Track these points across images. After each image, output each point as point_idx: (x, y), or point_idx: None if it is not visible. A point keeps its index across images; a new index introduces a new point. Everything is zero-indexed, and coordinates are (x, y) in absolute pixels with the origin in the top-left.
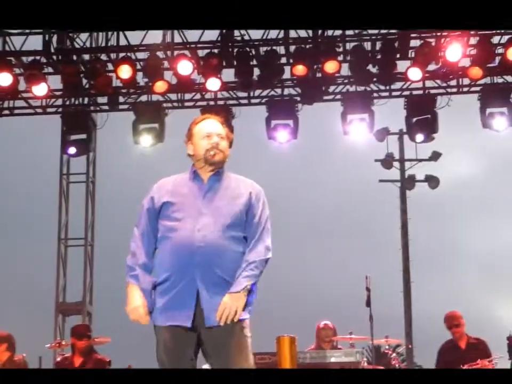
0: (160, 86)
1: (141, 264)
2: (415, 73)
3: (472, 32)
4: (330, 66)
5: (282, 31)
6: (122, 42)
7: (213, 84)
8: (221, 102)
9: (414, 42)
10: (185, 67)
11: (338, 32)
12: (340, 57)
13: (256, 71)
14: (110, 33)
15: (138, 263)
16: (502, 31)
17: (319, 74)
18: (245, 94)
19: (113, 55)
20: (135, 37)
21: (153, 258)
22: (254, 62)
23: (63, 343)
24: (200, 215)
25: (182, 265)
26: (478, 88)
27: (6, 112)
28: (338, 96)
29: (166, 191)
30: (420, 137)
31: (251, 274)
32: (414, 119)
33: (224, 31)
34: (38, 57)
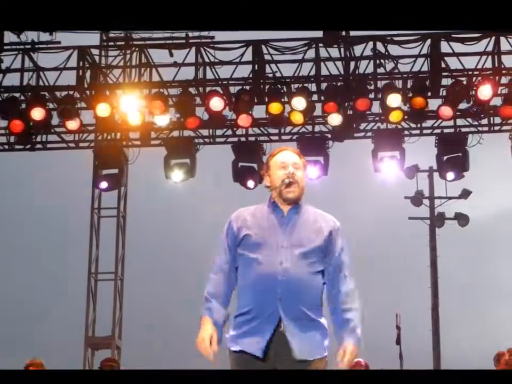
0: (192, 121)
1: (218, 295)
2: (446, 112)
3: (504, 71)
4: (361, 104)
5: (314, 69)
6: (155, 78)
7: (244, 120)
8: (252, 138)
9: (445, 81)
10: (217, 103)
11: (369, 70)
12: (371, 95)
13: (287, 108)
14: (143, 69)
15: (215, 295)
16: None
17: (350, 112)
18: (276, 131)
19: (145, 91)
20: (167, 73)
21: (233, 289)
22: (285, 99)
23: None
24: (281, 248)
25: (264, 297)
26: (509, 127)
27: (39, 146)
28: (369, 134)
29: (244, 222)
30: (450, 175)
31: (358, 323)
32: (445, 157)
33: (256, 67)
34: (71, 92)
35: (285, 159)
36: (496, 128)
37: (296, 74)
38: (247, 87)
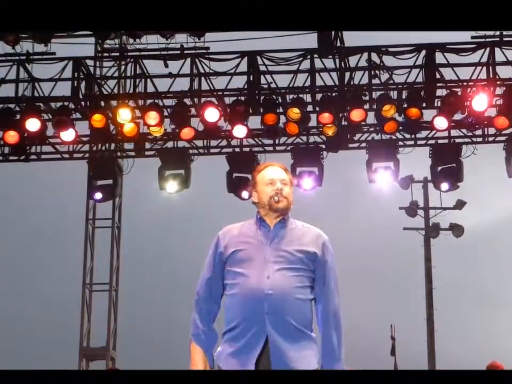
0: (186, 132)
1: (206, 316)
2: (441, 122)
3: (498, 82)
4: (356, 115)
5: (308, 79)
6: (150, 89)
7: (239, 131)
8: (247, 149)
9: (440, 92)
10: (212, 114)
11: (364, 81)
12: (366, 106)
13: (282, 119)
14: (138, 80)
15: (204, 317)
16: None
17: (344, 122)
18: (271, 141)
19: (140, 102)
20: (162, 83)
21: (221, 304)
22: (280, 110)
23: None
24: (268, 262)
25: (252, 312)
26: (503, 138)
27: (34, 157)
28: (364, 144)
29: (232, 238)
30: (445, 186)
31: (342, 351)
32: (439, 168)
33: (251, 78)
34: (66, 103)
35: (272, 175)
36: (491, 139)
37: (291, 85)
38: (242, 98)
